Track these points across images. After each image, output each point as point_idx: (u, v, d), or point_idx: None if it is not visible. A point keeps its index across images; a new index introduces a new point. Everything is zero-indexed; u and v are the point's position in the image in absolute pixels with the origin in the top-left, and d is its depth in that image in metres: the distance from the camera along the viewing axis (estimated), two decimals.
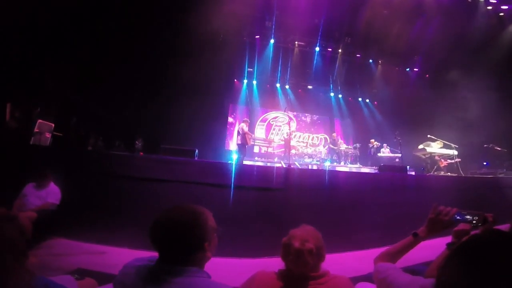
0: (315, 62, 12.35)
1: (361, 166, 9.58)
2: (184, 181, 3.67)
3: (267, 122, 12.45)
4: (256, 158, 10.48)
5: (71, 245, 3.29)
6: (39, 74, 6.90)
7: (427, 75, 12.57)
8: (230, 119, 11.71)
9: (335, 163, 9.89)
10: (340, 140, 10.60)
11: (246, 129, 7.61)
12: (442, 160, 7.56)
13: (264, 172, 4.13)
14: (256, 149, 11.69)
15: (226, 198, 3.58)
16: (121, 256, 3.06)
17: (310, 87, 13.02)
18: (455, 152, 7.48)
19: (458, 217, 1.19)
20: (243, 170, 3.86)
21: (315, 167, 8.84)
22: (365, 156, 10.52)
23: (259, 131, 12.13)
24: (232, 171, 3.72)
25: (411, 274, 1.85)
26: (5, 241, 0.81)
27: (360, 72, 12.96)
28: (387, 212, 4.07)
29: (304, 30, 11.24)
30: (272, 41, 11.60)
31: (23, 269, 0.82)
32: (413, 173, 7.91)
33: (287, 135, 8.66)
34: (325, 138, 12.62)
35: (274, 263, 1.35)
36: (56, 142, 5.98)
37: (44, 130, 5.56)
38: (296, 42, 11.97)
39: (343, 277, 1.32)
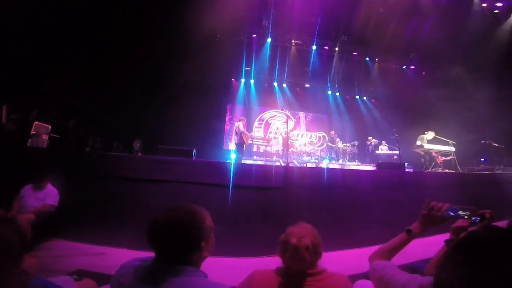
0: (312, 60, 12.41)
1: (360, 163, 9.61)
2: (183, 181, 3.67)
3: (265, 121, 12.46)
4: (254, 157, 10.49)
5: (70, 247, 3.29)
6: (36, 75, 6.86)
7: (424, 73, 12.63)
8: (228, 119, 11.71)
9: (333, 161, 9.92)
10: (337, 138, 10.62)
11: (242, 128, 7.60)
12: (439, 157, 7.60)
13: (263, 171, 4.13)
14: (254, 148, 11.70)
15: (224, 197, 3.58)
16: (121, 257, 3.05)
17: (307, 85, 13.06)
18: (453, 149, 7.51)
19: (451, 213, 1.20)
20: (241, 169, 3.85)
21: (313, 165, 8.85)
22: (363, 153, 10.56)
23: (257, 130, 12.14)
24: (230, 170, 3.71)
25: (410, 271, 1.86)
26: (0, 242, 0.81)
27: (357, 70, 13.03)
28: (386, 209, 4.09)
29: (301, 28, 11.27)
30: (269, 40, 11.61)
31: (18, 270, 0.82)
32: (411, 170, 7.95)
33: (285, 134, 8.67)
34: (323, 136, 12.65)
35: (274, 262, 1.36)
36: (54, 144, 5.96)
37: (41, 132, 5.54)
38: (293, 41, 11.99)
39: (341, 274, 1.32)
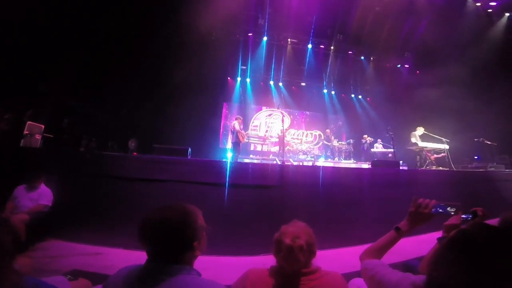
0: (308, 59, 12.44)
1: (355, 161, 9.67)
2: (179, 181, 3.66)
3: (261, 119, 12.47)
4: (251, 156, 10.49)
5: (66, 247, 3.27)
6: (30, 75, 6.77)
7: (418, 71, 12.75)
8: (224, 117, 11.70)
9: (329, 159, 9.97)
10: (332, 136, 10.69)
11: (238, 127, 7.61)
12: (429, 154, 7.68)
13: (259, 170, 4.14)
14: (251, 147, 11.71)
15: (221, 196, 3.59)
16: (117, 257, 3.05)
17: (303, 84, 13.10)
18: (446, 146, 7.60)
19: (439, 209, 1.22)
20: (238, 168, 3.85)
21: (310, 164, 8.89)
22: (358, 151, 10.63)
23: (253, 129, 12.14)
24: (227, 169, 3.72)
25: (405, 269, 1.87)
26: None
27: (353, 69, 13.11)
28: (381, 207, 4.12)
29: (297, 27, 11.28)
30: (265, 38, 11.60)
31: (9, 270, 0.82)
32: (406, 167, 8.03)
33: (281, 132, 8.69)
34: (319, 135, 12.71)
35: (271, 261, 1.35)
36: (47, 144, 5.89)
37: (34, 131, 5.46)
38: (289, 40, 12.00)
39: (335, 273, 1.32)
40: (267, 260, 1.33)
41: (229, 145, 8.17)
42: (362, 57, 13.01)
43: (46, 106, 6.93)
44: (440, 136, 7.69)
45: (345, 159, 10.02)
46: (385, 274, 1.05)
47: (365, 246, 1.32)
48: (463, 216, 1.24)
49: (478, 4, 10.04)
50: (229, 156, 7.78)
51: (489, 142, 8.10)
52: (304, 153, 10.50)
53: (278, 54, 12.14)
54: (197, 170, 3.84)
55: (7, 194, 3.40)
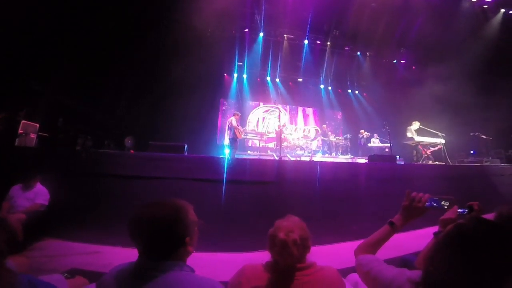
0: (304, 55, 12.41)
1: (352, 156, 9.72)
2: (176, 178, 3.65)
3: (258, 115, 12.46)
4: (248, 152, 10.49)
5: (64, 246, 3.26)
6: (24, 74, 6.67)
7: (414, 67, 12.79)
8: (221, 114, 11.66)
9: (326, 155, 10.00)
10: (329, 132, 10.72)
11: (235, 123, 7.59)
12: (424, 149, 7.74)
13: (257, 166, 4.14)
14: (248, 143, 11.71)
15: (218, 193, 3.59)
16: (115, 255, 3.05)
17: (300, 80, 13.09)
18: (442, 141, 7.66)
19: (432, 203, 1.22)
20: (235, 164, 3.85)
21: (307, 159, 8.91)
22: (355, 146, 10.68)
23: (251, 125, 12.13)
24: (224, 165, 3.71)
25: (402, 264, 1.88)
26: None
27: (349, 65, 13.11)
28: (378, 202, 4.15)
29: (293, 23, 11.23)
30: (261, 34, 11.53)
31: (2, 268, 0.82)
32: (402, 162, 8.09)
33: (278, 128, 8.69)
34: (316, 130, 12.73)
35: (269, 256, 1.34)
36: (42, 143, 5.83)
37: (29, 131, 5.40)
38: (286, 35, 11.95)
39: (330, 268, 1.32)
40: (265, 256, 1.34)
41: (226, 142, 8.16)
42: (359, 53, 13.02)
43: (41, 105, 6.84)
44: (436, 131, 7.75)
45: (342, 154, 10.06)
46: (381, 270, 1.05)
47: (362, 241, 1.32)
48: (459, 210, 1.24)
49: (474, 0, 10.04)
50: (226, 152, 7.77)
51: (484, 137, 8.17)
52: (302, 148, 10.52)
53: (274, 50, 12.09)
54: (194, 166, 3.83)
55: (3, 194, 3.37)
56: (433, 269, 0.82)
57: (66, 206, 3.47)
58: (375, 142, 9.99)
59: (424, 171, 5.52)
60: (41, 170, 3.55)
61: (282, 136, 9.97)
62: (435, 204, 1.22)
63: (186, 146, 4.98)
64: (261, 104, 12.53)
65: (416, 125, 7.89)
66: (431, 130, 7.77)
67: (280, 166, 4.18)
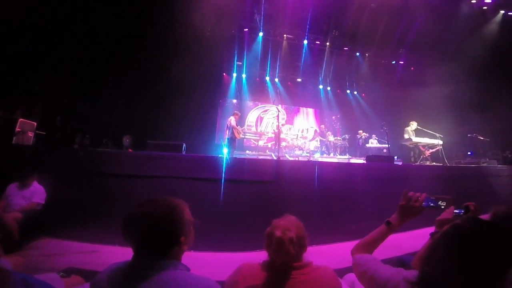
0: (304, 55, 12.40)
1: (350, 157, 9.74)
2: (174, 177, 3.65)
3: (257, 115, 12.45)
4: (247, 152, 10.49)
5: (61, 245, 3.25)
6: (22, 73, 6.63)
7: (412, 68, 12.84)
8: (219, 113, 11.64)
9: (324, 155, 10.02)
10: (328, 132, 10.73)
11: (234, 123, 7.59)
12: (427, 150, 7.77)
13: (255, 165, 4.14)
14: (247, 142, 11.70)
15: (217, 192, 3.58)
16: (112, 254, 3.05)
17: (299, 80, 13.10)
18: (440, 142, 7.69)
19: (429, 203, 1.22)
20: (233, 164, 3.85)
21: (305, 159, 8.92)
22: (354, 147, 10.69)
23: (250, 125, 12.13)
24: (222, 165, 3.71)
25: (399, 264, 1.88)
26: None
27: (348, 65, 13.11)
28: (376, 202, 4.17)
29: (293, 23, 11.25)
30: (261, 34, 11.52)
31: None
32: (400, 163, 8.11)
33: (276, 128, 8.70)
34: (315, 130, 12.75)
35: (267, 256, 1.36)
36: (40, 141, 5.80)
37: (26, 129, 5.37)
38: (285, 35, 11.96)
39: (327, 267, 1.32)
40: (264, 256, 1.34)
41: (225, 141, 8.16)
42: (358, 53, 13.03)
43: (38, 103, 6.80)
44: (434, 132, 7.78)
45: (340, 154, 10.07)
46: (377, 270, 1.05)
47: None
48: (456, 211, 1.23)
49: (473, 1, 10.07)
50: (224, 152, 7.77)
51: (482, 138, 8.21)
52: (300, 148, 10.52)
53: (274, 49, 12.08)
54: (193, 166, 3.83)
55: (0, 193, 3.35)
56: (429, 269, 0.82)
57: (63, 205, 3.45)
58: (373, 143, 10.01)
59: (422, 172, 5.54)
60: (38, 168, 3.53)
61: (281, 136, 9.98)
62: (432, 204, 1.22)
63: (184, 145, 4.97)
64: (260, 104, 12.53)
65: (413, 125, 7.92)
66: (429, 131, 7.80)
67: (278, 166, 4.18)
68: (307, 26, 11.46)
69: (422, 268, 0.86)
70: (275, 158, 7.23)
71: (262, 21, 11.03)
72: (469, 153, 9.29)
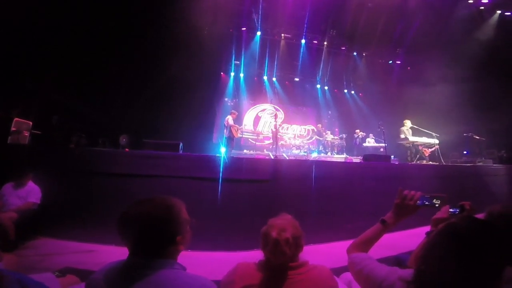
0: (301, 54, 12.41)
1: (348, 156, 9.78)
2: (171, 176, 3.63)
3: (255, 114, 12.45)
4: (245, 151, 10.49)
5: (57, 245, 3.24)
6: (17, 72, 6.56)
7: (409, 68, 12.91)
8: (217, 112, 11.62)
9: (322, 154, 10.05)
10: (327, 131, 10.76)
11: (231, 122, 7.59)
12: (426, 149, 7.82)
13: (253, 164, 4.14)
14: (244, 142, 11.70)
15: (214, 191, 3.58)
16: (110, 254, 3.03)
17: (297, 79, 13.12)
18: (436, 141, 7.75)
19: (424, 201, 1.22)
20: (231, 163, 3.85)
21: (303, 159, 8.94)
22: (351, 146, 10.74)
23: (247, 124, 12.12)
24: (220, 164, 3.70)
25: (396, 263, 1.88)
26: None
27: (345, 65, 13.17)
28: (373, 201, 4.18)
29: (290, 22, 11.27)
30: (258, 33, 11.51)
31: None
32: (397, 162, 8.16)
33: (274, 127, 8.71)
34: (312, 130, 12.78)
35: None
36: (36, 141, 5.75)
37: (22, 128, 5.31)
38: (283, 35, 11.97)
39: (323, 267, 1.31)
40: (261, 255, 1.34)
41: (222, 140, 8.15)
42: (355, 53, 13.09)
43: (34, 103, 6.74)
44: (431, 131, 7.84)
45: (337, 153, 10.11)
46: (373, 269, 1.05)
47: None
48: (451, 210, 1.23)
49: (470, 1, 10.12)
50: (222, 151, 7.76)
51: (477, 137, 8.27)
52: (297, 147, 10.55)
53: (271, 49, 12.08)
54: (190, 165, 3.82)
55: None
56: (425, 268, 0.83)
57: (60, 205, 3.43)
58: (370, 142, 10.06)
59: (419, 171, 5.58)
60: (34, 168, 3.51)
61: (278, 135, 9.99)
62: (426, 202, 1.22)
63: (181, 144, 4.95)
64: (258, 103, 12.52)
65: (407, 124, 7.96)
66: (425, 130, 7.85)
67: (276, 165, 4.19)
68: (305, 26, 11.48)
69: (418, 267, 0.86)
70: (272, 157, 7.24)
71: (260, 20, 11.03)
72: (465, 152, 9.36)
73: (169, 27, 8.69)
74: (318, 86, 13.58)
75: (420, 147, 7.81)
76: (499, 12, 10.21)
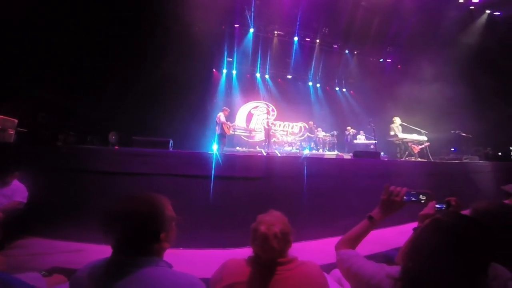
0: (294, 52, 12.42)
1: (339, 153, 9.87)
2: (162, 174, 3.59)
3: (247, 111, 12.43)
4: (237, 148, 10.47)
5: (46, 244, 3.17)
6: (3, 69, 6.34)
7: (399, 66, 13.09)
8: (209, 109, 11.52)
9: (313, 151, 10.12)
10: (318, 128, 10.83)
11: (223, 119, 7.55)
12: (415, 146, 7.98)
13: (245, 162, 4.13)
14: (237, 139, 11.67)
15: (206, 189, 3.56)
16: (99, 253, 2.96)
17: (289, 76, 13.13)
18: (425, 138, 7.91)
19: (410, 197, 1.23)
20: (223, 160, 3.83)
21: (295, 155, 8.98)
22: (342, 143, 10.86)
23: (240, 121, 12.09)
24: (212, 161, 3.68)
25: (385, 259, 1.91)
26: None
27: (337, 62, 13.24)
28: (364, 197, 4.23)
29: (283, 19, 11.24)
30: (251, 30, 11.45)
31: None
32: (386, 158, 8.30)
33: (267, 124, 8.71)
34: (304, 127, 12.86)
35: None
36: (21, 139, 5.59)
37: (7, 126, 5.15)
38: (276, 32, 11.93)
39: (312, 263, 1.32)
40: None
41: (214, 137, 8.11)
42: (347, 51, 13.17)
43: (20, 100, 6.53)
44: (420, 128, 7.99)
45: (329, 150, 10.20)
46: (361, 266, 1.06)
47: None
48: (437, 206, 1.25)
49: (461, 0, 10.29)
50: (214, 148, 7.72)
51: (464, 134, 8.47)
52: (290, 144, 10.59)
53: (264, 46, 12.05)
54: (181, 162, 3.78)
55: None
56: (411, 265, 0.83)
57: (48, 204, 3.36)
58: (361, 139, 10.18)
59: (407, 167, 5.68)
60: (19, 166, 3.41)
61: (271, 132, 10.00)
62: (412, 198, 1.23)
63: (171, 141, 4.88)
64: (250, 100, 12.49)
65: (397, 121, 8.11)
66: (414, 128, 8.00)
67: (268, 162, 4.19)
68: (298, 23, 11.47)
69: (405, 263, 0.86)
70: (265, 154, 7.25)
71: (253, 17, 10.96)
72: (452, 149, 9.59)
73: (162, 23, 8.56)
74: (310, 83, 13.63)
75: (409, 144, 7.96)
76: (488, 12, 10.42)
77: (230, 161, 3.95)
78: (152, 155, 3.79)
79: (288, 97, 13.03)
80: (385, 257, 2.16)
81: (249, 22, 11.18)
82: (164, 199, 1.04)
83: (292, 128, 12.99)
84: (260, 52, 12.11)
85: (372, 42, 12.01)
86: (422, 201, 1.23)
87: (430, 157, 7.74)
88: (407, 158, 7.71)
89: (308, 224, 3.73)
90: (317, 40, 12.42)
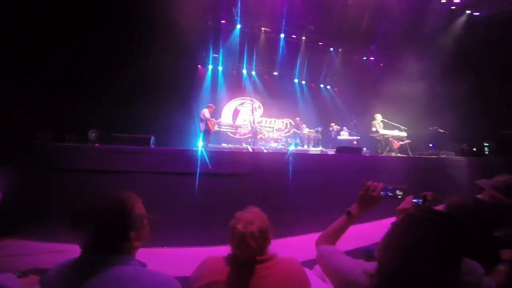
0: (280, 48, 12.45)
1: (323, 148, 10.06)
2: (146, 171, 3.51)
3: (233, 108, 12.36)
4: (223, 144, 10.42)
5: (26, 246, 3.05)
6: None
7: (382, 64, 13.42)
8: (194, 106, 11.36)
9: (299, 147, 10.25)
10: (303, 124, 10.97)
11: (207, 115, 7.50)
12: (395, 142, 8.25)
13: (231, 158, 4.13)
14: (222, 135, 11.61)
15: (191, 186, 3.52)
16: None
17: (275, 73, 13.16)
18: (404, 134, 8.20)
19: (387, 192, 1.26)
20: (208, 157, 3.80)
21: (281, 151, 9.06)
22: (326, 139, 11.06)
23: (226, 117, 12.01)
24: (196, 158, 3.64)
25: (366, 254, 1.96)
26: None
27: (322, 60, 13.40)
28: (347, 192, 4.32)
29: (270, 16, 11.23)
30: (238, 26, 11.34)
31: None
32: (368, 154, 8.54)
33: (253, 121, 8.72)
34: (290, 123, 12.98)
35: None
36: None
37: None
38: (263, 28, 11.90)
39: (292, 259, 1.31)
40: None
41: (199, 134, 8.03)
42: (331, 49, 13.35)
43: None
44: (400, 124, 8.27)
45: (313, 146, 10.37)
46: (339, 262, 1.07)
47: None
48: (414, 200, 1.26)
49: (443, 0, 10.63)
50: (199, 145, 7.65)
51: (442, 131, 8.83)
52: (275, 140, 10.67)
53: (251, 42, 12.00)
54: (165, 159, 3.71)
55: None
56: (387, 260, 0.84)
57: (27, 204, 3.22)
58: (344, 135, 10.41)
59: (388, 163, 5.86)
60: None
61: (257, 129, 10.03)
62: (389, 193, 1.25)
63: (153, 138, 4.75)
64: (236, 96, 12.44)
65: (378, 117, 8.36)
66: (395, 124, 8.27)
67: (254, 158, 4.21)
68: (284, 20, 11.48)
69: (381, 258, 0.87)
70: (251, 150, 7.27)
71: (239, 13, 10.85)
72: (430, 145, 9.97)
73: (145, 17, 8.29)
74: (296, 80, 13.74)
75: (390, 139, 8.22)
76: (468, 12, 10.82)
77: (215, 157, 3.93)
78: (135, 152, 3.69)
79: (275, 94, 13.06)
80: (366, 252, 2.22)
81: (236, 18, 11.08)
82: (133, 196, 1.02)
83: (278, 124, 13.08)
84: (247, 48, 12.04)
85: (356, 41, 12.23)
86: (399, 196, 1.25)
87: (410, 153, 8.03)
88: (387, 154, 7.96)
89: (294, 219, 3.78)
90: (303, 38, 12.51)
